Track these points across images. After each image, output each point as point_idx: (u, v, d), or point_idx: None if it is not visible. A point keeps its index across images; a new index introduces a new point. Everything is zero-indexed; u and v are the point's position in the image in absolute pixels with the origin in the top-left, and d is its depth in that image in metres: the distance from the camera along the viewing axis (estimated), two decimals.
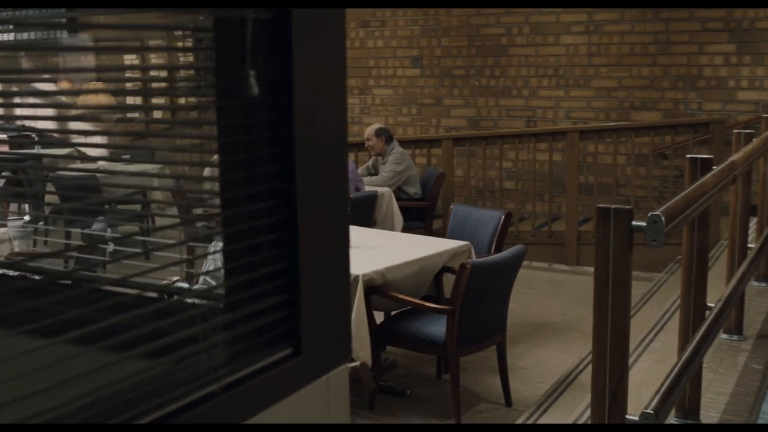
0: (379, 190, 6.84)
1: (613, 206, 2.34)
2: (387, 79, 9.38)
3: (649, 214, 2.32)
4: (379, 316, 4.53)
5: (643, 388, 4.11)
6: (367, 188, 6.78)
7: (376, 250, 4.74)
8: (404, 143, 8.14)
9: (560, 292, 6.68)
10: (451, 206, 5.63)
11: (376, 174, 7.35)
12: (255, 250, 1.18)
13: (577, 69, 8.27)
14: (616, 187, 7.73)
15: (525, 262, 7.56)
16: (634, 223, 2.32)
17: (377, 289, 4.28)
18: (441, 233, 5.70)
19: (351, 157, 8.77)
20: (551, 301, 6.47)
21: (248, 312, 1.16)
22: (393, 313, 4.69)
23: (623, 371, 2.50)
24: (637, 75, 8.01)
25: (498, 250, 5.23)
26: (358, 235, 4.95)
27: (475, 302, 4.14)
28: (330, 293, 1.28)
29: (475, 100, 8.83)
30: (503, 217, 5.24)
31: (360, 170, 7.63)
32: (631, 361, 4.56)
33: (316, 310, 1.23)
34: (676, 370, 2.96)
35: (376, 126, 7.38)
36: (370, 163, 7.66)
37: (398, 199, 7.08)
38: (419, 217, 7.29)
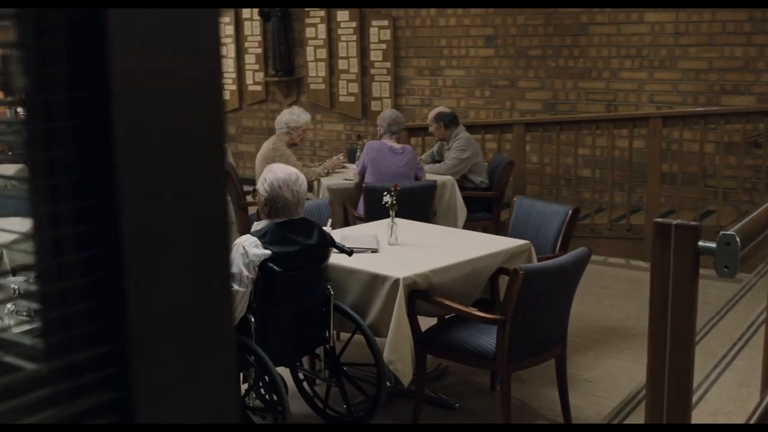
0: (441, 179, 6.40)
1: (674, 222, 1.87)
2: (459, 60, 8.90)
3: (720, 234, 1.83)
4: (428, 322, 4.11)
5: (722, 417, 3.59)
6: (429, 177, 6.35)
7: (422, 250, 4.32)
8: (473, 128, 7.67)
9: (637, 292, 6.13)
10: (515, 199, 5.16)
11: (441, 160, 6.91)
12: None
13: (662, 49, 7.63)
14: (703, 177, 7.10)
15: (599, 258, 7.06)
16: (701, 243, 1.84)
17: (422, 293, 3.87)
18: (508, 225, 5.23)
19: (417, 141, 8.35)
20: (626, 303, 5.93)
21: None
22: (446, 317, 4.28)
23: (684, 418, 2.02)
24: (730, 56, 7.33)
25: (564, 248, 4.75)
26: (405, 231, 4.54)
27: (530, 312, 3.69)
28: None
29: (551, 83, 8.27)
30: (570, 212, 4.75)
31: (424, 156, 7.20)
32: (708, 382, 4.04)
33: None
34: (761, 409, 2.46)
35: (436, 110, 6.93)
36: (435, 148, 7.22)
37: (463, 188, 6.63)
38: (485, 207, 6.82)
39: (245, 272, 3.43)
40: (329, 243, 3.73)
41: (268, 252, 3.44)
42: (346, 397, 4.00)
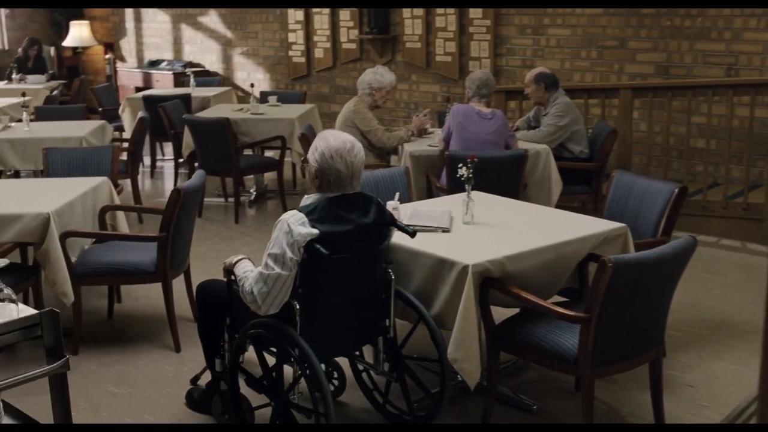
0: (535, 147, 5.84)
1: None
2: (564, 18, 8.22)
3: None
4: (500, 313, 3.62)
5: None
6: (522, 145, 5.80)
7: (500, 231, 3.81)
8: (576, 92, 7.04)
9: (753, 280, 5.46)
10: (614, 174, 4.57)
11: (538, 127, 6.33)
12: None
13: None
14: None
15: (710, 239, 6.37)
16: None
17: (495, 282, 3.38)
18: (605, 193, 4.63)
19: (515, 105, 7.76)
20: (739, 293, 5.26)
21: None
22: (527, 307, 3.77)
23: None
24: None
25: (667, 232, 4.16)
26: (484, 208, 4.03)
27: (620, 310, 3.16)
28: None
29: (665, 43, 7.52)
30: (676, 191, 4.15)
31: (519, 122, 6.63)
32: None
33: None
34: None
35: (537, 70, 6.33)
36: (531, 113, 6.64)
37: (560, 158, 6.05)
38: (584, 180, 6.22)
39: (289, 253, 3.02)
40: (389, 221, 3.27)
41: (315, 231, 3.02)
42: (408, 393, 3.57)
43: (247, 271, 3.20)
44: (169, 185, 8.72)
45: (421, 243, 3.47)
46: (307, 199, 3.20)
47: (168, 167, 9.43)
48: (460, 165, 3.90)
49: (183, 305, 4.94)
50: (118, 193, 5.26)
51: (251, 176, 7.87)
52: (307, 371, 3.08)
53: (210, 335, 3.63)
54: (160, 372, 4.23)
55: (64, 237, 4.22)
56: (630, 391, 3.92)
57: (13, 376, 2.20)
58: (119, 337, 4.68)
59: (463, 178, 3.88)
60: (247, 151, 7.86)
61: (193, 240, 4.79)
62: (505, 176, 5.21)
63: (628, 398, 3.88)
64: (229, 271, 3.33)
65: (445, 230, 3.75)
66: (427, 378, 3.69)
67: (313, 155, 3.15)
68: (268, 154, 8.29)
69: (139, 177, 8.00)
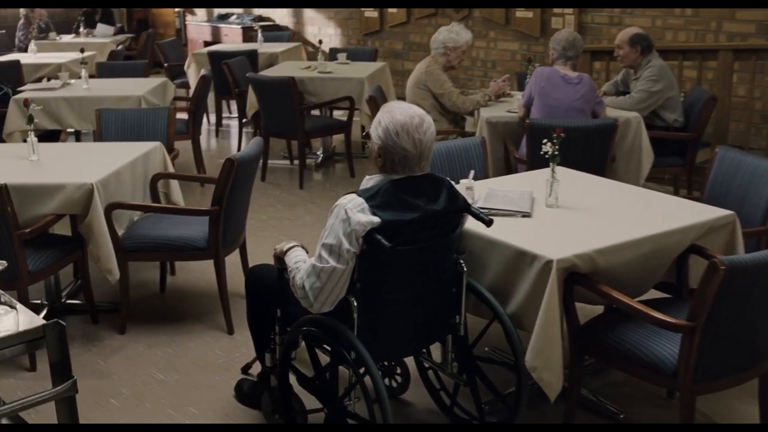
0: (625, 115, 5.31)
1: None
2: None
3: None
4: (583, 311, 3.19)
5: None
6: (610, 113, 5.28)
7: (589, 217, 3.35)
8: (669, 53, 6.45)
9: None
10: (717, 150, 4.05)
11: (626, 92, 5.78)
12: None
13: None
14: None
15: None
16: None
17: (581, 278, 2.94)
18: (705, 171, 4.10)
19: (601, 66, 7.18)
20: None
21: None
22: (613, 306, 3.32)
23: None
24: None
25: None
26: (570, 188, 3.57)
27: (730, 318, 2.69)
28: None
29: None
30: None
31: (606, 87, 6.08)
32: None
33: None
34: None
35: (632, 31, 5.74)
36: (619, 77, 6.08)
37: (652, 127, 5.50)
38: (678, 151, 5.66)
39: (346, 244, 2.63)
40: (462, 208, 2.85)
41: (376, 219, 2.62)
42: (478, 396, 3.17)
43: (299, 262, 2.82)
44: (233, 145, 8.41)
45: (498, 230, 3.04)
46: (368, 181, 2.79)
47: (234, 126, 9.12)
48: (545, 141, 3.44)
49: (239, 281, 4.61)
50: (173, 158, 4.94)
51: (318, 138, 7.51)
52: (364, 377, 2.71)
53: (260, 326, 3.29)
54: (210, 357, 3.92)
55: (109, 209, 3.92)
56: (732, 400, 3.45)
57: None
58: (169, 315, 4.38)
59: (547, 155, 3.42)
60: (314, 112, 7.48)
61: (253, 207, 4.46)
62: (591, 148, 4.72)
63: (730, 409, 3.42)
64: (280, 258, 2.97)
65: (526, 215, 3.31)
66: (499, 376, 3.28)
67: (375, 130, 2.74)
68: (336, 114, 7.90)
69: (203, 137, 7.72)
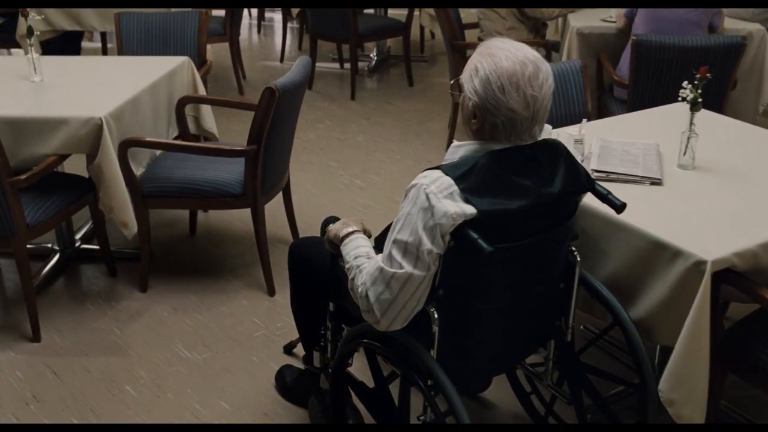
0: (746, 27, 4.40)
1: None
2: None
3: None
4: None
5: None
6: (728, 25, 4.36)
7: (738, 184, 2.54)
8: None
9: None
10: None
11: None
12: None
13: None
14: None
15: None
16: None
17: (734, 277, 2.18)
18: None
19: None
20: None
21: None
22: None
23: None
24: None
25: None
26: (704, 138, 2.75)
27: None
28: None
29: None
30: None
31: None
32: None
33: None
34: None
35: None
36: None
37: None
38: None
39: (427, 243, 1.89)
40: (585, 187, 2.09)
41: (470, 209, 1.87)
42: (583, 412, 2.47)
43: (360, 258, 2.08)
44: (278, 43, 7.57)
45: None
46: (457, 150, 2.02)
47: (277, 20, 8.27)
48: (686, 84, 2.61)
49: (281, 229, 3.92)
50: (205, 73, 4.17)
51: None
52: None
53: (307, 317, 2.61)
54: (247, 328, 3.26)
55: (123, 147, 3.20)
56: None
57: None
58: (199, 266, 3.71)
59: (687, 99, 2.60)
60: (368, 10, 6.60)
61: (298, 122, 3.69)
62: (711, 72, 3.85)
63: None
64: (333, 243, 2.24)
65: (656, 182, 2.52)
66: (603, 382, 2.58)
67: (470, 81, 1.95)
68: (393, 13, 7.01)
69: (243, 33, 6.91)
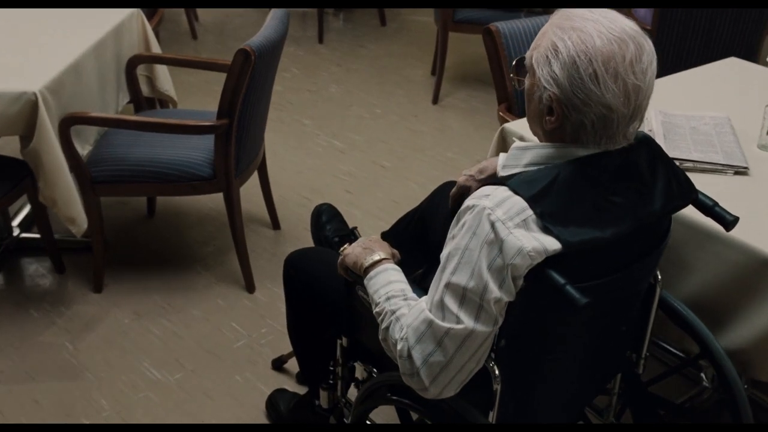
0: None
1: None
2: None
3: None
4: None
5: None
6: None
7: None
8: None
9: None
10: None
11: None
12: None
13: None
14: None
15: None
16: None
17: None
18: None
19: None
20: None
21: None
22: None
23: None
24: None
25: None
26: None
27: None
28: None
29: None
30: None
31: None
32: None
33: None
34: None
35: None
36: None
37: None
38: None
39: (494, 290, 1.39)
40: (688, 198, 1.60)
41: (554, 245, 1.38)
42: None
43: (395, 298, 1.56)
44: None
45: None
46: (522, 154, 1.51)
47: None
48: None
49: (257, 208, 3.39)
50: (156, 24, 3.56)
51: None
52: None
53: (310, 349, 2.11)
54: (225, 337, 2.75)
55: (65, 125, 2.62)
56: None
57: None
58: (163, 258, 3.17)
59: None
60: None
61: None
62: (742, 14, 3.36)
63: None
64: (347, 269, 1.73)
65: (741, 171, 2.03)
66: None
67: (546, 65, 1.42)
68: None
69: None
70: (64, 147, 2.62)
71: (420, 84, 4.70)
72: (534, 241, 1.37)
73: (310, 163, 3.84)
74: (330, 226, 2.62)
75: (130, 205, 3.45)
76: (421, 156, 3.92)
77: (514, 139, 2.18)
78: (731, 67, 2.69)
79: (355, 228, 2.65)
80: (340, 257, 1.74)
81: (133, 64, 3.12)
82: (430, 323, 1.44)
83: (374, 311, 1.58)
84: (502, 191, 1.42)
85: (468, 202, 1.44)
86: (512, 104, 2.70)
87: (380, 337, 1.56)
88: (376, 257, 1.65)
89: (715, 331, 1.82)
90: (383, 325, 1.54)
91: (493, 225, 1.38)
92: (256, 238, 3.21)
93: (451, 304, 1.42)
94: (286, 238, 3.27)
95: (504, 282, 1.39)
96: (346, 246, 1.75)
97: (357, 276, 1.69)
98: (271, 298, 2.92)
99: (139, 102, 3.20)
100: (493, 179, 1.87)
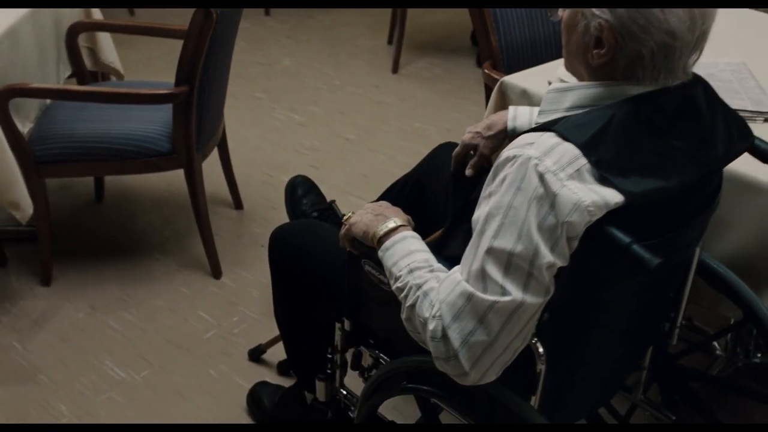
0: None
1: None
2: None
3: None
4: None
5: None
6: None
7: None
8: None
9: None
10: None
11: None
12: None
13: None
14: None
15: None
16: None
17: None
18: None
19: None
20: None
21: None
22: None
23: None
24: None
25: None
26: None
27: None
28: None
29: None
30: None
31: None
32: None
33: None
34: None
35: None
36: None
37: None
38: None
39: (545, 254, 1.18)
40: (748, 141, 1.40)
41: (615, 197, 1.17)
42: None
43: (420, 270, 1.33)
44: None
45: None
46: (563, 95, 1.30)
47: None
48: None
49: (213, 179, 3.12)
50: None
51: None
52: None
53: (302, 334, 1.87)
54: (194, 328, 2.49)
55: (4, 98, 2.32)
56: None
57: None
58: (117, 245, 2.88)
59: None
60: None
61: None
62: None
63: None
64: (356, 243, 1.50)
65: None
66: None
67: None
68: None
69: None
70: (3, 123, 2.32)
71: (377, 54, 4.46)
72: (592, 194, 1.16)
73: (270, 138, 3.58)
74: (306, 199, 2.39)
75: (75, 189, 3.16)
76: (386, 127, 3.69)
77: (520, 90, 1.97)
78: (744, 15, 2.53)
79: (333, 201, 2.43)
80: (344, 228, 1.51)
81: (74, 32, 2.82)
82: (469, 297, 1.22)
83: (394, 287, 1.35)
84: (549, 138, 1.20)
85: (506, 152, 1.22)
86: (497, 61, 2.49)
87: (403, 317, 1.33)
88: (392, 224, 1.42)
89: (759, 293, 1.64)
90: (408, 302, 1.31)
91: (542, 177, 1.17)
92: (218, 219, 2.95)
93: (495, 272, 1.20)
94: (251, 219, 3.02)
95: (557, 244, 1.18)
96: (349, 214, 1.52)
97: (367, 248, 1.46)
98: (240, 283, 2.67)
99: (82, 75, 2.90)
100: (504, 134, 1.67)
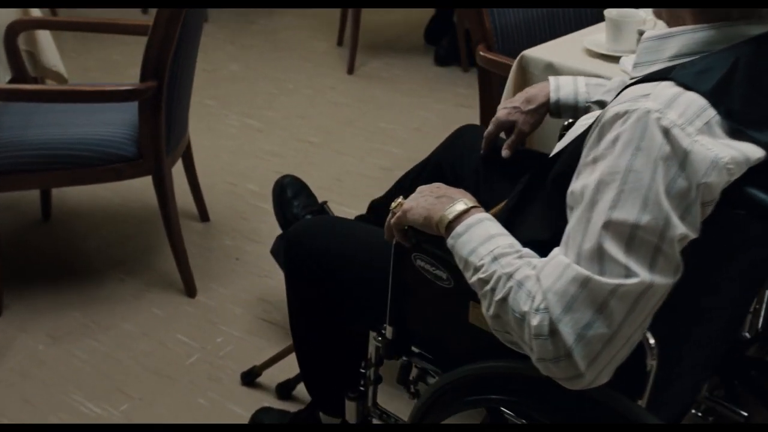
0: None
1: None
2: None
3: None
4: None
5: None
6: None
7: None
8: None
9: None
10: None
11: None
12: None
13: None
14: None
15: None
16: None
17: None
18: None
19: None
20: None
21: None
22: None
23: None
24: None
25: None
26: None
27: None
28: None
29: None
30: None
31: None
32: None
33: None
34: None
35: None
36: None
37: None
38: None
39: (677, 224, 0.98)
40: None
41: (755, 151, 0.99)
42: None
43: (507, 256, 1.11)
44: None
45: None
46: (665, 42, 1.11)
47: None
48: None
49: (182, 196, 2.84)
50: None
51: None
52: None
53: (328, 349, 1.63)
54: (174, 353, 2.21)
55: None
56: None
57: None
58: (74, 267, 2.58)
59: None
60: None
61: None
62: None
63: None
64: (410, 232, 1.27)
65: None
66: None
67: None
68: None
69: None
70: None
71: (328, 56, 4.24)
72: (730, 149, 0.98)
73: (227, 146, 3.32)
74: (297, 201, 2.15)
75: (19, 209, 2.84)
76: (350, 128, 3.47)
77: (544, 64, 1.78)
78: None
79: (326, 202, 2.20)
80: (394, 216, 1.28)
81: (13, 31, 2.52)
82: (584, 282, 1.01)
83: (474, 279, 1.13)
84: (667, 87, 1.01)
85: (615, 108, 1.02)
86: (491, 43, 2.32)
87: (489, 314, 1.11)
88: (461, 206, 1.19)
89: None
90: (497, 296, 1.09)
91: (667, 133, 0.97)
92: (184, 233, 2.68)
93: (615, 250, 1.00)
94: (220, 231, 2.76)
95: (688, 211, 0.99)
96: (399, 200, 1.29)
97: (427, 237, 1.24)
98: (218, 300, 2.41)
99: (24, 79, 2.59)
100: (546, 108, 1.48)
